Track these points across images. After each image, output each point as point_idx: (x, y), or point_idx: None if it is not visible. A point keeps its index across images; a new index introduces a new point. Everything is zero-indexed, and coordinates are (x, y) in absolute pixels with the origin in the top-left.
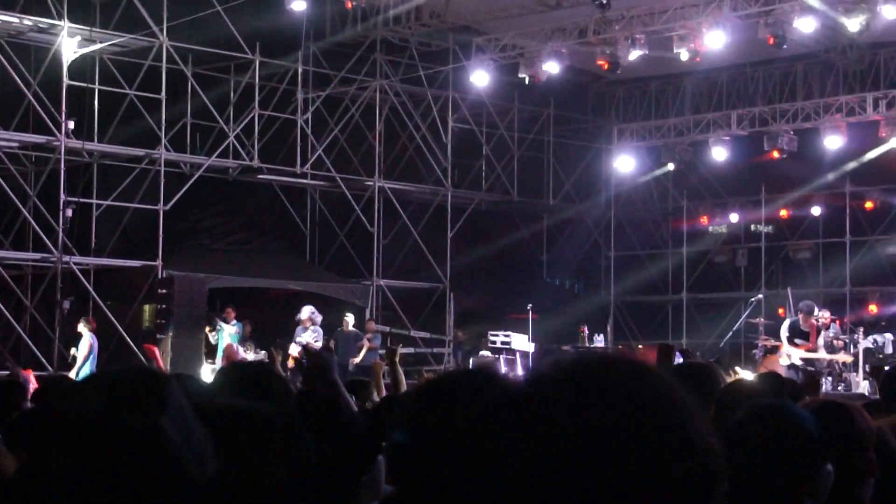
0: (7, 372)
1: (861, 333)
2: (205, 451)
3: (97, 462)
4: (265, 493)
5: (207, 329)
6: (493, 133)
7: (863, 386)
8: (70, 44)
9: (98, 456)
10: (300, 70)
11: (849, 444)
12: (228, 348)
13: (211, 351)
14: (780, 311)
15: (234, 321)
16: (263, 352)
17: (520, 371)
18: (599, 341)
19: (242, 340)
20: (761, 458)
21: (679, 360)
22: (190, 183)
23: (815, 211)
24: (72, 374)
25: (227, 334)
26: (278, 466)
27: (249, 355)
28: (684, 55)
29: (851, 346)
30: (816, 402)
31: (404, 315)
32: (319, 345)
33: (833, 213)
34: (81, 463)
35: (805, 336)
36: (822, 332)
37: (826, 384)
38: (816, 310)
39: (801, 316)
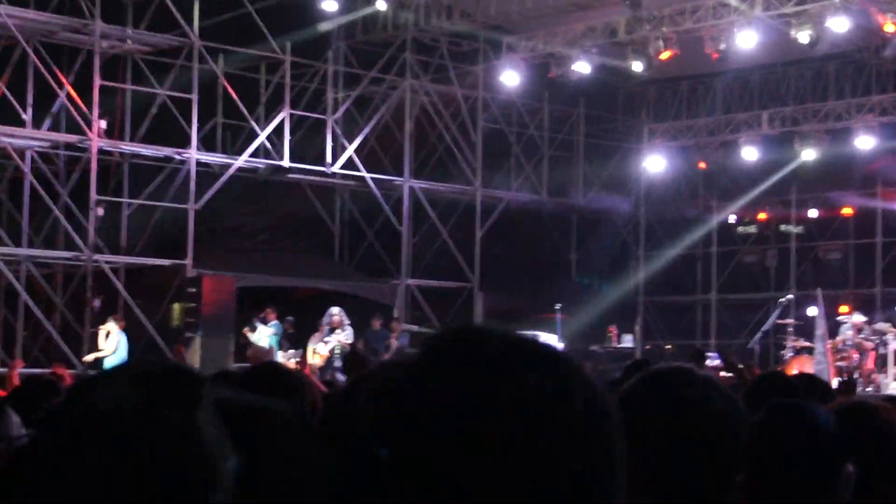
0: (40, 370)
1: (891, 335)
2: (227, 449)
3: (131, 458)
4: (285, 493)
5: (246, 329)
6: (523, 133)
7: (892, 387)
8: (102, 44)
9: (133, 452)
10: (331, 70)
11: (876, 445)
12: (255, 350)
13: (246, 350)
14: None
15: (274, 321)
16: (292, 351)
17: None
18: (628, 341)
19: (281, 340)
20: (778, 456)
21: (717, 361)
22: (220, 182)
23: (846, 211)
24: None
25: (264, 335)
26: (296, 466)
27: (280, 355)
28: (715, 54)
29: (881, 347)
30: (843, 402)
31: (433, 314)
32: (350, 343)
33: (864, 214)
34: (114, 459)
35: None
36: (852, 333)
37: (857, 386)
38: None
39: None
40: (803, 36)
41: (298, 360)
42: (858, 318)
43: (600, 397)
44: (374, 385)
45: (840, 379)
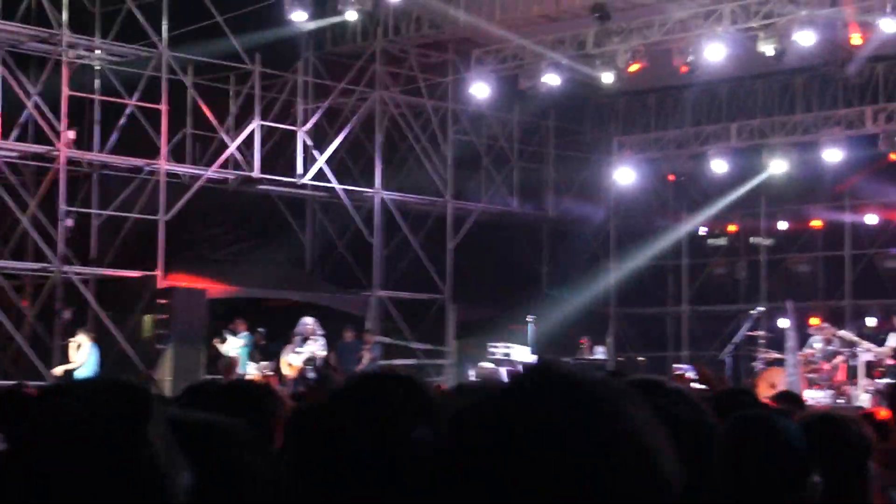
0: (13, 382)
1: (861, 346)
2: (181, 463)
3: (79, 472)
4: None
5: (216, 341)
6: (493, 144)
7: (863, 399)
8: (70, 54)
9: (80, 465)
10: (300, 81)
11: (841, 455)
12: (228, 361)
13: (216, 362)
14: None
15: (244, 333)
16: (265, 363)
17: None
18: (600, 353)
19: (253, 352)
20: (745, 468)
21: (692, 372)
22: (190, 193)
23: (815, 223)
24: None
25: (234, 346)
26: (245, 481)
27: (251, 368)
28: (683, 67)
29: (851, 359)
30: (809, 414)
31: (404, 326)
32: (322, 355)
33: (833, 226)
34: (67, 470)
35: None
36: (822, 344)
37: (828, 397)
38: None
39: None
40: (770, 49)
41: (271, 372)
42: (828, 329)
43: (652, 429)
44: (464, 409)
45: None
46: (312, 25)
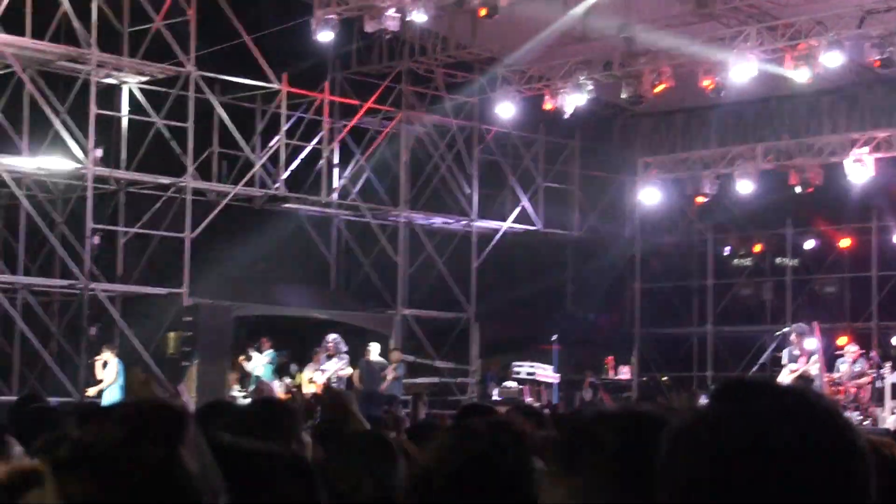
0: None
1: (888, 368)
2: (217, 486)
3: (116, 492)
4: None
5: (241, 358)
6: (519, 164)
7: (889, 421)
8: (99, 73)
9: (116, 485)
10: (327, 100)
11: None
12: (260, 383)
13: (244, 379)
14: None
15: (269, 351)
16: (288, 380)
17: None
18: (624, 373)
19: (277, 370)
20: None
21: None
22: (216, 211)
23: (842, 244)
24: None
25: (259, 364)
26: None
27: (276, 385)
28: (710, 87)
29: (878, 381)
30: None
31: (428, 345)
32: (346, 373)
33: (860, 248)
34: (100, 491)
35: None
36: (848, 366)
37: (854, 419)
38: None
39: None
40: (797, 71)
41: (292, 390)
42: (855, 350)
43: (859, 441)
44: (673, 431)
45: None
46: (338, 44)
